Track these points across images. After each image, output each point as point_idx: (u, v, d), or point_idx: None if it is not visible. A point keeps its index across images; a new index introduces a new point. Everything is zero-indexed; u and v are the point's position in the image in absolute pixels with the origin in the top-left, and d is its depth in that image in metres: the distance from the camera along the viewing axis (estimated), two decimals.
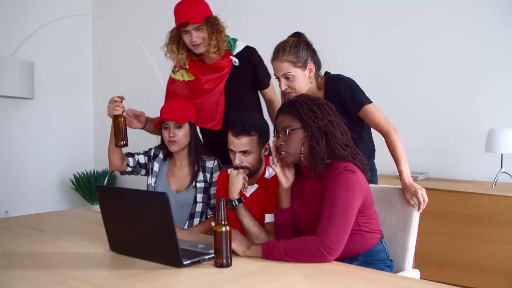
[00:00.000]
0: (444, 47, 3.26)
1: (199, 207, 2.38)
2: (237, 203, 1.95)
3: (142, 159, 2.46)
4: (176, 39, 2.49)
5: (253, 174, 2.04)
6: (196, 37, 2.41)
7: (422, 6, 3.33)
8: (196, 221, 2.38)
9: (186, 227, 2.35)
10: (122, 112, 2.24)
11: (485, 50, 3.13)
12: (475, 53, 3.16)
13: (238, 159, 1.99)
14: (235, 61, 2.50)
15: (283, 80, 2.14)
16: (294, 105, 1.77)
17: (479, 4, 3.15)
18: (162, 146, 2.45)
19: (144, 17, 4.66)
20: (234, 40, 2.56)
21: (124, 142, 2.22)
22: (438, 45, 3.28)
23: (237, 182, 1.97)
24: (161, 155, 2.47)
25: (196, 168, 2.39)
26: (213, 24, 2.43)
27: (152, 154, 2.47)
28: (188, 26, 2.39)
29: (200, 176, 2.39)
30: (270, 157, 1.84)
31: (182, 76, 2.57)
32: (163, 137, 2.40)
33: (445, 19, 3.26)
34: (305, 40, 2.16)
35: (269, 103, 2.68)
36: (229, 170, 2.11)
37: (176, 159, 2.43)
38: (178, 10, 2.42)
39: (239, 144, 1.98)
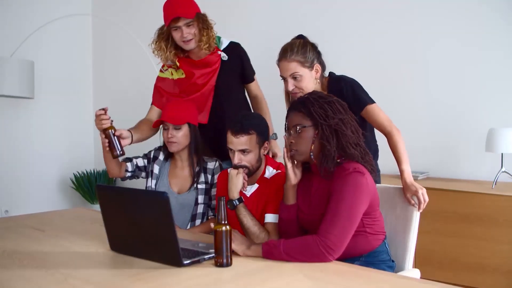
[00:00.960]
0: (444, 47, 3.26)
1: (200, 209, 2.37)
2: (238, 203, 1.95)
3: (141, 162, 2.44)
4: (165, 36, 2.50)
5: (252, 173, 2.04)
6: (187, 33, 2.42)
7: (422, 6, 3.33)
8: (198, 222, 2.37)
9: (188, 228, 2.35)
10: (111, 123, 2.21)
11: (485, 50, 3.13)
12: (475, 53, 3.16)
13: (237, 158, 1.99)
14: (224, 56, 2.53)
15: (290, 80, 2.14)
16: (305, 102, 1.76)
17: (479, 4, 3.14)
18: (164, 147, 2.45)
19: (144, 17, 4.65)
20: (219, 37, 2.58)
21: (120, 152, 2.20)
22: (438, 45, 3.28)
23: (237, 181, 1.97)
24: (161, 157, 2.45)
25: (197, 169, 2.38)
26: (203, 21, 2.46)
27: (152, 156, 2.46)
28: (179, 22, 2.40)
29: (202, 177, 2.38)
30: (284, 150, 1.83)
31: (172, 74, 2.57)
32: (163, 138, 2.40)
33: (445, 19, 3.25)
34: (310, 42, 2.19)
35: (253, 98, 2.70)
36: (229, 170, 2.11)
37: (177, 159, 2.43)
38: (169, 6, 2.42)
39: (238, 143, 1.98)
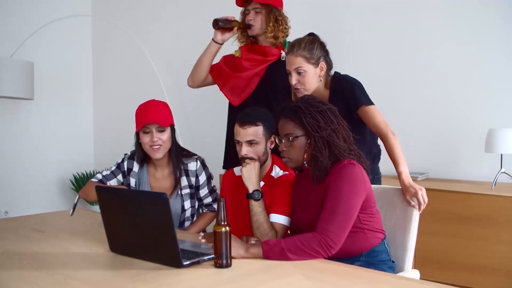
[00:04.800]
0: (444, 48, 3.26)
1: (188, 213, 2.33)
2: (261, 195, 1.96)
3: (115, 182, 2.30)
4: (242, 17, 2.61)
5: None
6: (252, 17, 2.52)
7: (422, 7, 3.33)
8: (187, 224, 2.35)
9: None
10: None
11: (485, 50, 3.13)
12: (475, 53, 3.16)
13: (244, 150, 2.01)
14: (283, 56, 2.54)
15: (294, 75, 2.18)
16: (297, 111, 1.76)
17: (478, 4, 3.15)
18: (138, 151, 2.29)
19: (144, 18, 4.66)
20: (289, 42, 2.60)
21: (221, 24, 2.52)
22: (438, 46, 3.28)
23: (253, 172, 1.98)
24: (135, 168, 2.32)
25: (179, 175, 2.26)
26: (271, 12, 2.52)
27: (126, 169, 2.32)
28: (249, 5, 2.52)
29: (184, 181, 2.28)
30: None
31: (238, 53, 2.66)
32: (142, 143, 2.23)
33: (445, 19, 3.25)
34: (319, 40, 2.22)
35: None
36: (235, 170, 2.12)
37: (156, 165, 2.30)
38: None
39: (245, 133, 2.01)
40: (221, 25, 2.52)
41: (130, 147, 2.35)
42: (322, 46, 2.21)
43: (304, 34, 2.30)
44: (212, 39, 2.60)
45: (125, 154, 2.37)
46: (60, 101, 4.80)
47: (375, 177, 2.31)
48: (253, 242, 1.76)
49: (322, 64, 2.18)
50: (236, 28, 2.56)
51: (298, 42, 2.19)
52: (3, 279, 1.52)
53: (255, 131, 2.01)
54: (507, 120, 3.03)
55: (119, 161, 2.35)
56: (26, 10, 4.51)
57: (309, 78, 2.17)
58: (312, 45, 2.17)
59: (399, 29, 3.41)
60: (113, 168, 2.34)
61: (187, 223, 2.34)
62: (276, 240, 1.64)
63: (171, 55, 4.45)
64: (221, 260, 1.56)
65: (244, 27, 2.58)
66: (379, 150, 2.38)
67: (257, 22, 2.54)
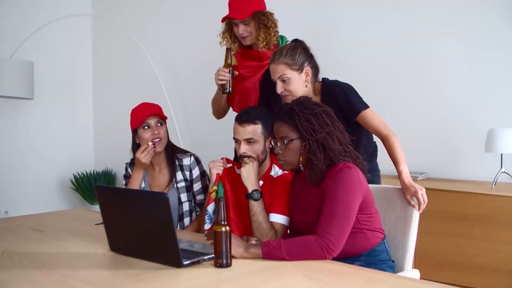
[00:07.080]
0: (444, 47, 3.26)
1: (186, 207, 2.36)
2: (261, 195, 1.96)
3: None
4: (229, 29, 2.57)
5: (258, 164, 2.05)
6: (243, 30, 2.48)
7: (421, 6, 3.33)
8: (187, 220, 2.36)
9: (178, 228, 2.33)
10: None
11: (485, 50, 3.12)
12: (474, 52, 3.16)
13: (243, 148, 2.02)
14: None
15: (279, 83, 2.15)
16: (291, 114, 1.76)
17: (478, 3, 3.15)
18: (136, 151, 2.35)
19: (144, 17, 4.66)
20: (285, 38, 2.58)
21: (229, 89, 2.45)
22: (437, 46, 3.28)
23: (252, 172, 1.98)
24: None
25: (174, 169, 2.36)
26: (260, 19, 2.48)
27: (129, 174, 2.41)
28: (236, 19, 2.47)
29: (179, 176, 2.36)
30: None
31: (233, 61, 2.62)
32: (143, 140, 2.31)
33: (445, 19, 3.25)
34: (303, 46, 2.18)
35: None
36: (236, 170, 2.11)
37: (154, 163, 2.39)
38: (229, 3, 2.50)
39: (244, 132, 2.01)
40: (232, 90, 2.47)
41: (130, 146, 2.38)
42: (306, 51, 2.16)
43: (302, 37, 2.26)
44: None
45: (126, 163, 2.46)
46: (60, 101, 4.80)
47: (375, 174, 2.31)
48: (253, 242, 1.76)
49: (307, 69, 2.14)
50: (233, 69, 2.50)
51: (280, 50, 2.15)
52: (3, 279, 1.52)
53: (254, 130, 2.01)
54: (507, 120, 3.03)
55: (124, 172, 2.47)
56: (26, 10, 4.51)
57: (295, 85, 2.13)
58: (294, 51, 2.12)
59: (397, 29, 3.41)
60: (124, 182, 2.45)
61: (186, 220, 2.36)
62: (276, 242, 1.64)
63: (171, 55, 4.45)
64: (221, 260, 1.56)
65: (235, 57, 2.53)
66: (375, 148, 2.38)
67: (249, 32, 2.49)
